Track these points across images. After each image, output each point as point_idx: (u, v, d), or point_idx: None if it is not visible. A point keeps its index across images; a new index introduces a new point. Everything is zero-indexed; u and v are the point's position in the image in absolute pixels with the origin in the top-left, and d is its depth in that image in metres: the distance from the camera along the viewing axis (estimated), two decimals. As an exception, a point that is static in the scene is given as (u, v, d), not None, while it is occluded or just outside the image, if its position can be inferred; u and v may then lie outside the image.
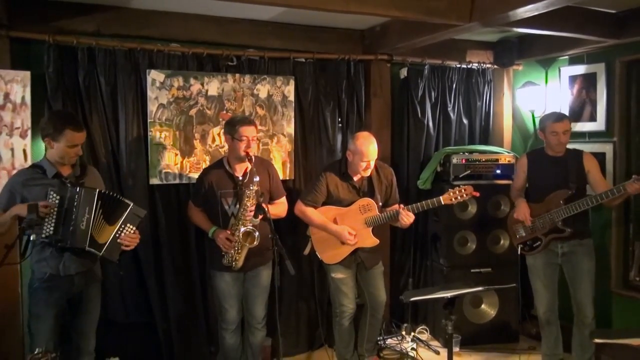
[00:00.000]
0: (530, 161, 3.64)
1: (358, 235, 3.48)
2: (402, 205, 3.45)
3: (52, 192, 2.65)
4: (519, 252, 3.66)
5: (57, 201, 2.64)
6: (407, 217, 3.39)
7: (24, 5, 3.31)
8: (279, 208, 3.47)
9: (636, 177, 3.09)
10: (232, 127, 3.23)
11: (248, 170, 3.27)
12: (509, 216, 3.76)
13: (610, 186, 3.31)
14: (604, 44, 3.83)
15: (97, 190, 2.78)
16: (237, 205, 3.24)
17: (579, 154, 3.52)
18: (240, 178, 3.28)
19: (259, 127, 3.91)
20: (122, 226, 2.82)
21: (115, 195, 2.86)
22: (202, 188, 3.33)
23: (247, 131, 3.20)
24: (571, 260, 3.48)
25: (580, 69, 4.20)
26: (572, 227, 3.38)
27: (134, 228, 2.85)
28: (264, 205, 3.11)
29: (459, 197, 3.40)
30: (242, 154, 3.20)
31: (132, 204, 2.86)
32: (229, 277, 3.32)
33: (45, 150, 2.85)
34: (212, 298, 3.66)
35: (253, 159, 3.20)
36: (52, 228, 2.63)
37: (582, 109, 4.20)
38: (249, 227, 3.15)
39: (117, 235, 2.81)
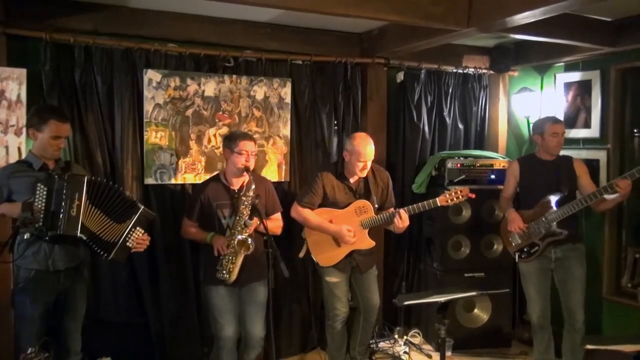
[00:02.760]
0: (522, 166, 3.66)
1: (355, 236, 3.48)
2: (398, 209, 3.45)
3: (39, 185, 2.63)
4: (516, 260, 3.64)
5: (45, 192, 2.63)
6: (401, 221, 3.40)
7: (21, 3, 3.30)
8: (274, 223, 3.40)
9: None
10: (232, 141, 3.22)
11: (245, 183, 3.24)
12: (502, 225, 3.76)
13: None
14: (600, 51, 3.86)
15: (86, 177, 2.77)
16: (233, 217, 3.22)
17: (569, 159, 3.58)
18: (237, 190, 3.27)
19: (255, 129, 3.93)
20: (132, 229, 2.83)
21: (118, 187, 2.87)
22: (198, 201, 3.30)
23: (247, 145, 3.20)
24: (564, 266, 3.51)
25: (575, 76, 4.23)
26: (566, 230, 3.41)
27: (143, 231, 2.87)
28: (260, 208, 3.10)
29: (455, 199, 3.41)
30: (241, 166, 3.19)
31: (142, 207, 2.87)
32: (223, 291, 3.25)
33: (31, 145, 2.86)
34: (207, 314, 3.53)
35: (250, 170, 3.19)
36: (41, 218, 2.61)
37: (576, 115, 4.22)
38: (244, 235, 3.14)
39: (127, 237, 2.82)
